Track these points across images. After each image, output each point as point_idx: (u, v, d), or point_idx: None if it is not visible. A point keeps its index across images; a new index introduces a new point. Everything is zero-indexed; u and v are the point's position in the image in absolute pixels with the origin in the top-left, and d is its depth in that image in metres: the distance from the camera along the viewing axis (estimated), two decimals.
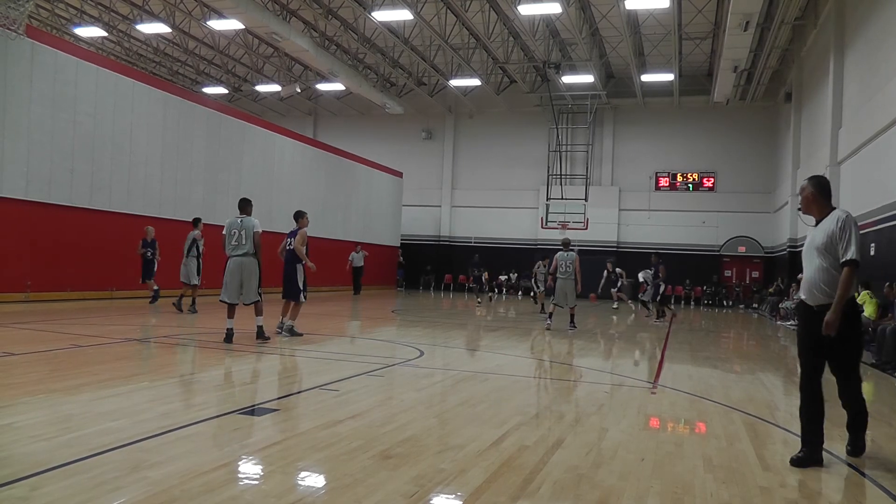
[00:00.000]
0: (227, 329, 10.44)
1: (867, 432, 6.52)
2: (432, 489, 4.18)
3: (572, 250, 16.24)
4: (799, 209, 5.50)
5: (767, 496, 4.34)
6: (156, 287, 16.51)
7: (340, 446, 5.06)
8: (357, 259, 28.01)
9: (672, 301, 27.98)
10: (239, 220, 10.58)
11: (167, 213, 20.27)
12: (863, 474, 4.97)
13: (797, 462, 5.02)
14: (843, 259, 4.95)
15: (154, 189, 20.12)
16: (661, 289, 20.49)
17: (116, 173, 18.82)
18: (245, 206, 10.80)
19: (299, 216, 11.97)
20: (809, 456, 5.07)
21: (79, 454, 4.54)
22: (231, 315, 10.52)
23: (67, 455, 4.50)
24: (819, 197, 5.30)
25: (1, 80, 15.71)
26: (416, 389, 7.64)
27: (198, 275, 15.49)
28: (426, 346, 11.74)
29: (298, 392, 7.13)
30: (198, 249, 15.60)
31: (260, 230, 10.58)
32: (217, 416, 5.77)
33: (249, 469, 4.47)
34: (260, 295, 10.68)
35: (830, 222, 5.11)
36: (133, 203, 19.20)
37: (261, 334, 10.78)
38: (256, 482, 4.25)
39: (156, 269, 16.48)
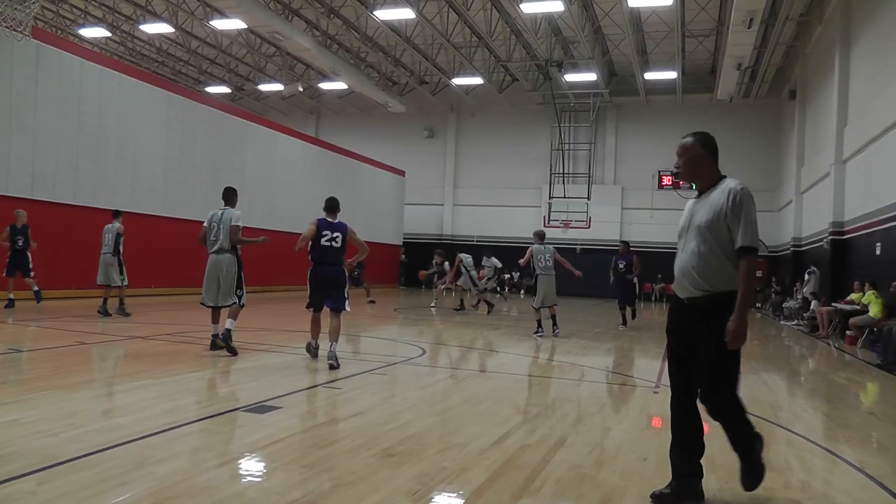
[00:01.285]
0: (213, 335, 9.29)
1: (873, 433, 6.52)
2: (434, 487, 4.18)
3: (549, 243, 14.78)
4: (674, 173, 4.31)
5: (771, 497, 4.34)
6: (36, 288, 14.24)
7: (343, 444, 5.07)
8: None
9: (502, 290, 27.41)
10: (220, 213, 9.38)
11: (170, 212, 20.32)
12: (869, 476, 4.95)
13: (659, 499, 4.10)
14: (739, 245, 3.85)
15: (157, 188, 20.16)
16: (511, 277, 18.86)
17: (120, 172, 18.86)
18: (230, 196, 9.59)
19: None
20: (679, 491, 4.11)
21: (84, 450, 4.56)
22: (216, 320, 9.41)
23: (73, 451, 4.52)
24: (707, 159, 4.18)
25: (7, 80, 15.76)
26: (418, 388, 7.64)
27: (122, 274, 13.67)
28: (428, 345, 11.75)
29: (301, 390, 7.14)
30: (118, 246, 13.60)
31: (239, 224, 9.29)
32: (221, 414, 5.79)
33: (253, 466, 4.48)
34: (240, 298, 9.34)
35: (720, 196, 3.99)
36: (137, 202, 19.22)
37: (226, 340, 9.00)
38: (260, 479, 4.26)
39: (31, 262, 14.05)
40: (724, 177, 4.16)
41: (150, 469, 4.27)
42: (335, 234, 8.75)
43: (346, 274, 8.95)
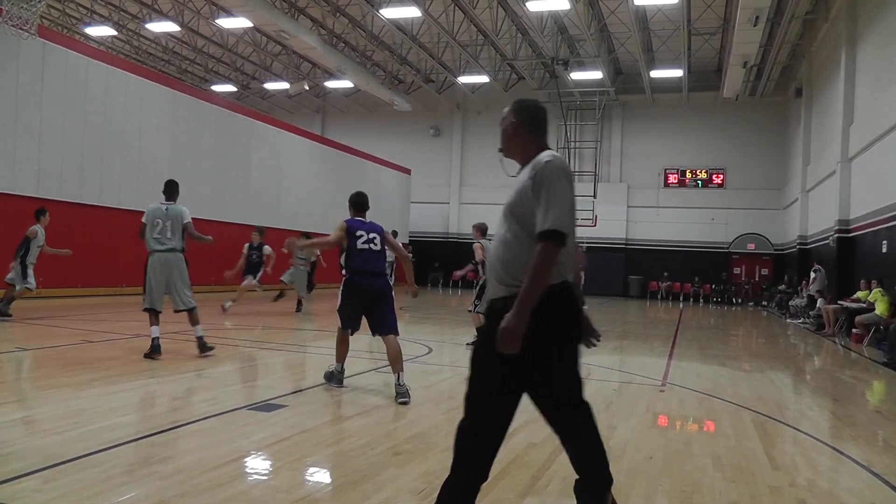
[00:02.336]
0: (153, 339, 8.43)
1: (879, 431, 6.50)
2: (440, 486, 4.17)
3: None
4: (500, 150, 3.61)
5: (777, 495, 4.32)
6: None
7: (349, 442, 5.08)
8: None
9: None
10: (164, 209, 8.75)
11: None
12: (875, 474, 4.94)
13: None
14: (539, 229, 3.04)
15: (162, 186, 20.15)
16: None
17: (126, 171, 18.88)
18: (173, 190, 8.94)
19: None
20: None
21: (90, 448, 4.58)
22: (156, 322, 8.60)
23: (79, 449, 4.54)
24: (521, 129, 3.42)
25: (13, 79, 15.79)
26: (424, 386, 7.64)
27: (26, 277, 12.22)
28: (434, 343, 11.75)
29: (307, 388, 7.14)
30: (29, 247, 12.22)
31: (191, 220, 8.81)
32: (226, 412, 5.79)
33: (258, 464, 4.48)
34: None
35: (526, 172, 3.26)
36: (142, 200, 19.09)
37: (204, 346, 8.72)
38: (265, 478, 4.27)
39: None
40: (548, 149, 3.36)
41: (156, 467, 4.28)
42: (371, 236, 7.20)
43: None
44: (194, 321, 8.72)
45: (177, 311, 8.74)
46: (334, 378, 7.20)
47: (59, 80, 16.86)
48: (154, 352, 8.28)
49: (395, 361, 6.91)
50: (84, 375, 7.08)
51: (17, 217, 13.95)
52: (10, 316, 11.85)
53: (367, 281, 7.05)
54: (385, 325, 7.12)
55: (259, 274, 15.43)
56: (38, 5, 14.52)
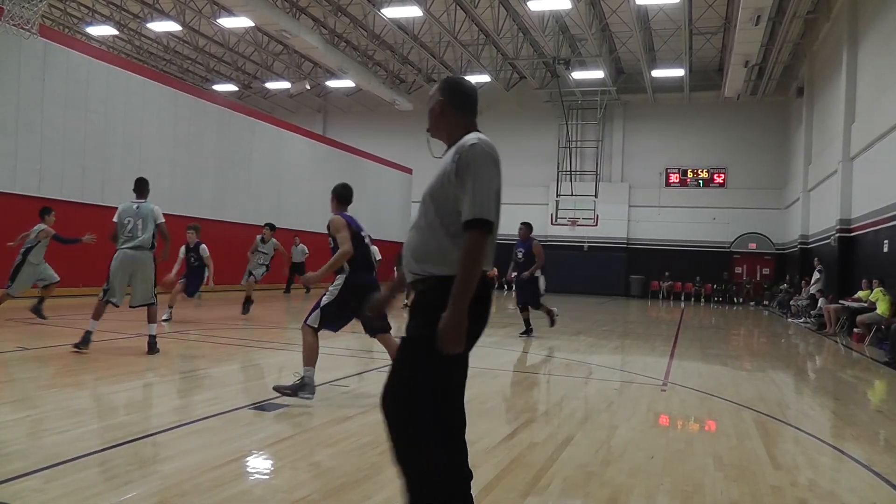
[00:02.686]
0: (87, 331, 8.38)
1: (880, 431, 6.50)
2: None
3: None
4: (428, 131, 3.34)
5: (778, 495, 4.32)
6: None
7: (350, 442, 5.07)
8: (296, 254, 22.43)
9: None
10: (135, 207, 8.64)
11: (177, 209, 20.32)
12: (876, 473, 4.94)
13: None
14: (466, 217, 2.84)
15: (164, 186, 20.17)
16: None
17: (127, 170, 18.85)
18: (144, 187, 8.78)
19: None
20: None
21: (91, 448, 4.58)
22: (99, 316, 8.57)
23: (80, 448, 4.54)
24: (448, 108, 3.19)
25: (14, 78, 15.80)
26: None
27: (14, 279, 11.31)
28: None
29: None
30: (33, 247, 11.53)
31: (164, 220, 8.76)
32: (228, 412, 5.79)
33: (260, 464, 4.48)
34: (155, 297, 8.75)
35: (449, 155, 3.07)
36: None
37: (153, 346, 8.51)
38: (267, 477, 4.27)
39: None
40: (475, 131, 3.14)
41: (157, 467, 4.29)
42: (365, 230, 6.91)
43: None
44: (151, 319, 8.65)
45: (132, 307, 8.70)
46: (307, 388, 6.30)
47: (60, 79, 16.87)
48: (84, 343, 8.24)
49: None
50: (85, 375, 7.09)
51: (19, 216, 13.96)
52: (46, 318, 11.36)
53: (371, 279, 6.71)
54: (382, 325, 6.87)
55: (263, 272, 14.66)
56: (39, 5, 14.52)
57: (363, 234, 6.74)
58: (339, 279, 6.55)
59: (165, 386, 6.79)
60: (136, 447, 4.68)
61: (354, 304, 6.40)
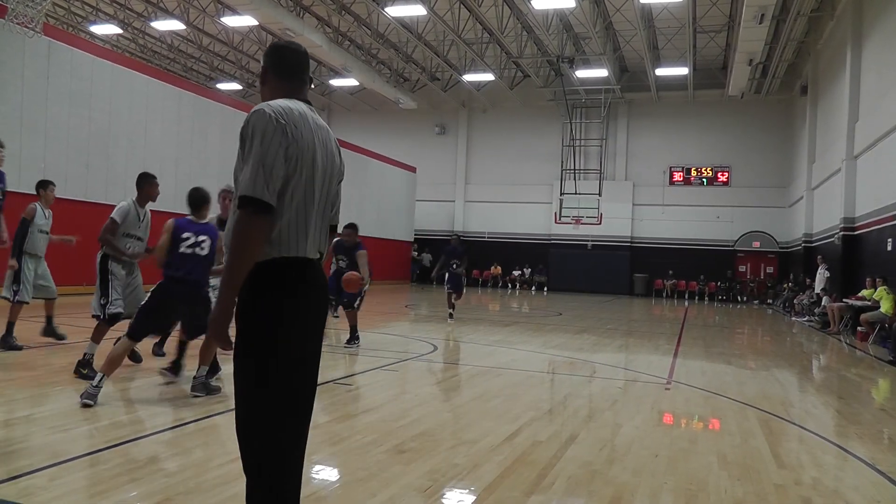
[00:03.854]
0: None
1: (884, 429, 6.49)
2: (446, 483, 4.19)
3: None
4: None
5: (782, 494, 4.32)
6: None
7: (355, 440, 5.09)
8: None
9: None
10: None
11: (182, 207, 20.37)
12: (880, 472, 4.93)
13: None
14: (237, 193, 2.49)
15: (169, 184, 20.09)
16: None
17: (131, 168, 18.87)
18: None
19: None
20: None
21: (95, 446, 4.60)
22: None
23: (84, 447, 4.56)
24: (270, 75, 2.82)
25: (19, 77, 15.84)
26: (429, 384, 7.65)
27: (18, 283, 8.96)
28: (440, 341, 11.76)
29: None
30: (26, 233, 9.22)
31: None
32: (232, 410, 5.79)
33: None
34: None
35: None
36: None
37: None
38: None
39: None
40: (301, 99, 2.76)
41: (161, 465, 4.30)
42: (201, 239, 6.65)
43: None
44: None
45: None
46: (210, 387, 6.37)
47: (64, 78, 16.91)
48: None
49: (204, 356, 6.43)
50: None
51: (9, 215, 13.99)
52: (64, 337, 9.09)
53: (181, 290, 6.28)
54: (201, 328, 6.32)
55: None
56: (43, 3, 14.55)
57: (188, 238, 6.56)
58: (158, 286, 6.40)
59: (170, 384, 6.80)
60: (140, 445, 4.69)
61: (169, 308, 6.33)
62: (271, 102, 2.57)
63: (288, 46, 2.85)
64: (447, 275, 15.66)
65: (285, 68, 2.79)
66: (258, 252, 2.46)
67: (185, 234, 6.51)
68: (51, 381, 6.64)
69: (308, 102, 2.75)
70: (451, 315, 15.57)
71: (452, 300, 15.70)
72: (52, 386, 6.44)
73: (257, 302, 2.49)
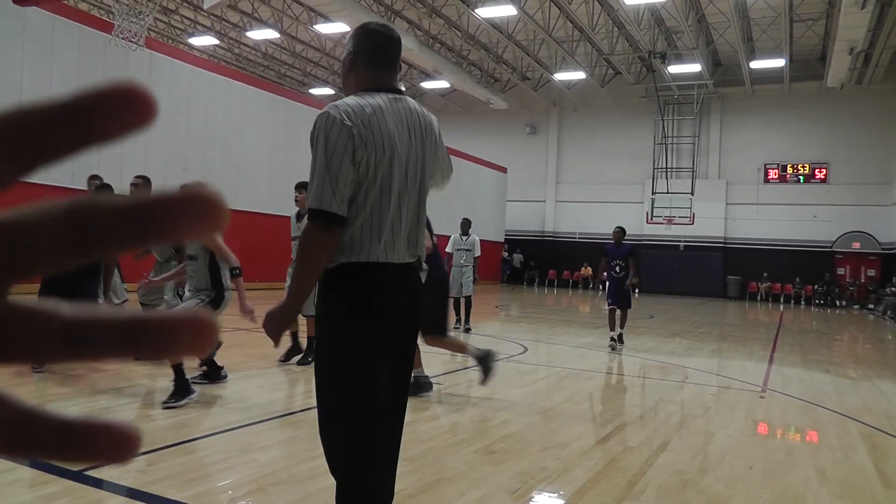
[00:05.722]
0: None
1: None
2: (535, 486, 4.19)
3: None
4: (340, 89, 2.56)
5: None
6: None
7: (443, 439, 5.14)
8: None
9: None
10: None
11: (274, 209, 20.93)
12: None
13: None
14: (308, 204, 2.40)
15: (261, 187, 20.83)
16: None
17: (226, 172, 19.61)
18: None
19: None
20: None
21: (191, 434, 4.82)
22: None
23: (181, 435, 4.78)
24: (359, 63, 2.55)
25: None
26: (519, 385, 7.65)
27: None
28: (530, 343, 11.73)
29: None
30: None
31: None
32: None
33: None
34: None
35: None
36: (241, 200, 19.91)
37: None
38: None
39: None
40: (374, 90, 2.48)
41: (254, 456, 4.45)
42: None
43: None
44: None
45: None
46: None
47: (164, 86, 17.68)
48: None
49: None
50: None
51: None
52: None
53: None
54: None
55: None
56: (146, 19, 15.25)
57: None
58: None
59: (262, 378, 7.00)
60: (233, 436, 4.86)
61: None
62: (339, 102, 2.38)
63: (381, 31, 2.57)
64: (607, 283, 11.57)
65: (378, 56, 2.54)
66: (325, 263, 2.38)
67: None
68: (148, 374, 6.87)
69: (398, 91, 2.54)
70: (613, 340, 11.21)
71: (616, 318, 11.29)
72: (150, 378, 6.67)
73: (326, 306, 2.44)
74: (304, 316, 7.10)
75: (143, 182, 7.16)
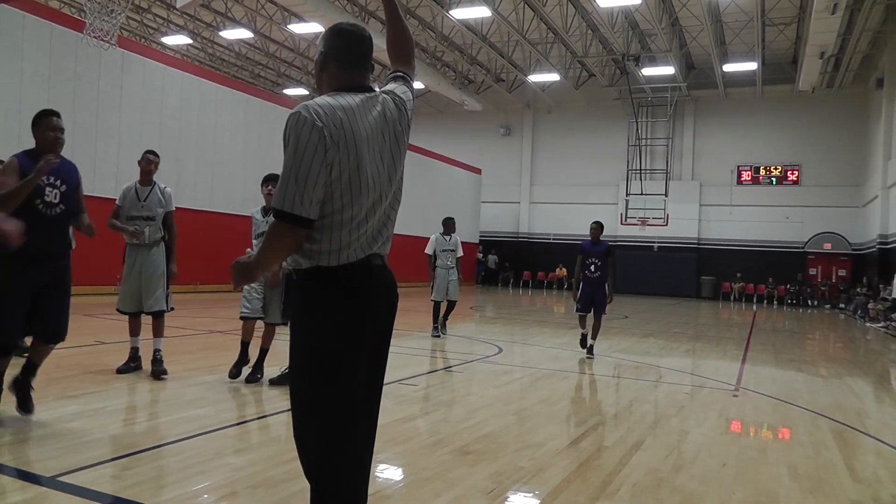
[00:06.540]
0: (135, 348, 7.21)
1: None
2: (510, 486, 4.18)
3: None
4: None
5: None
6: None
7: (419, 440, 5.12)
8: None
9: None
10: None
11: (248, 210, 20.77)
12: None
13: None
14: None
15: (236, 187, 20.67)
16: None
17: (200, 173, 19.44)
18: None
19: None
20: None
21: (165, 438, 4.76)
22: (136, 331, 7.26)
23: (155, 439, 4.73)
24: (330, 63, 2.58)
25: (94, 87, 16.48)
26: (494, 386, 7.64)
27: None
28: (505, 343, 11.74)
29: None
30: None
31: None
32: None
33: None
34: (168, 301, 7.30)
35: None
36: (216, 201, 19.79)
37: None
38: None
39: None
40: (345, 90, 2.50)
41: (229, 459, 4.41)
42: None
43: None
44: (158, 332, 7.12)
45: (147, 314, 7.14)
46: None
47: (136, 86, 17.53)
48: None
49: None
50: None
51: (96, 218, 14.45)
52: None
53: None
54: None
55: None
56: (118, 17, 15.10)
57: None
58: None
59: (237, 381, 6.92)
60: (209, 439, 4.81)
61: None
62: (310, 102, 2.34)
63: (352, 31, 2.59)
64: (581, 284, 10.41)
65: (349, 56, 2.55)
66: (285, 257, 2.42)
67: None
68: (122, 376, 6.79)
69: (370, 90, 2.55)
70: (585, 346, 10.40)
71: (585, 326, 10.56)
72: (124, 381, 6.58)
73: (304, 311, 2.42)
74: (266, 323, 7.05)
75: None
